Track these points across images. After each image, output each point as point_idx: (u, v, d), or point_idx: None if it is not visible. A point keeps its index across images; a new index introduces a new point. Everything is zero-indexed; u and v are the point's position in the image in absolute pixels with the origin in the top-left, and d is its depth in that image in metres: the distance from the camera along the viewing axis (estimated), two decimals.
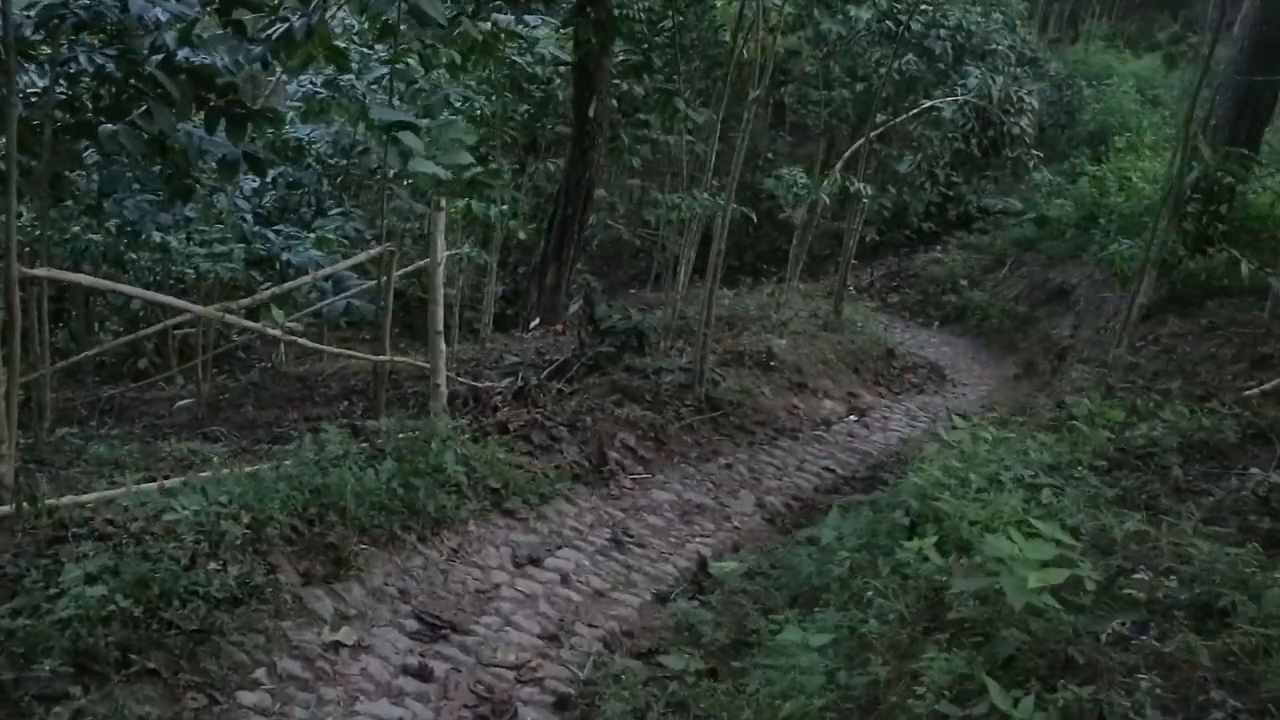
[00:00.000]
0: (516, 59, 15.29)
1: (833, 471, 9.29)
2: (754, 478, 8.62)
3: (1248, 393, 8.69)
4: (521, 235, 18.78)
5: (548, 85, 16.90)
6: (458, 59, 7.21)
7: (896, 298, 19.55)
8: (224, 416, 9.99)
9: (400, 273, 8.83)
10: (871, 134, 14.71)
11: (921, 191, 18.90)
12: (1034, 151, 17.97)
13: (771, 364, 11.33)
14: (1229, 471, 6.52)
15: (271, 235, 10.44)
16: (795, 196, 14.64)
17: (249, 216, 10.82)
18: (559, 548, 6.27)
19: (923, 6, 19.72)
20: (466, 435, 6.88)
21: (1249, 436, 7.19)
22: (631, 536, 6.74)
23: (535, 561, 5.94)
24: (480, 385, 9.17)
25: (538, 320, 15.21)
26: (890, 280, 20.31)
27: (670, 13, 16.62)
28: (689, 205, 11.75)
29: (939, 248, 21.28)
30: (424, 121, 6.31)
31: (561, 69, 16.29)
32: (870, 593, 4.78)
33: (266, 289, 9.17)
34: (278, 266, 10.66)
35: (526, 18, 14.42)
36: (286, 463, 5.40)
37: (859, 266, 21.65)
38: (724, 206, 9.52)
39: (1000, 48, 19.36)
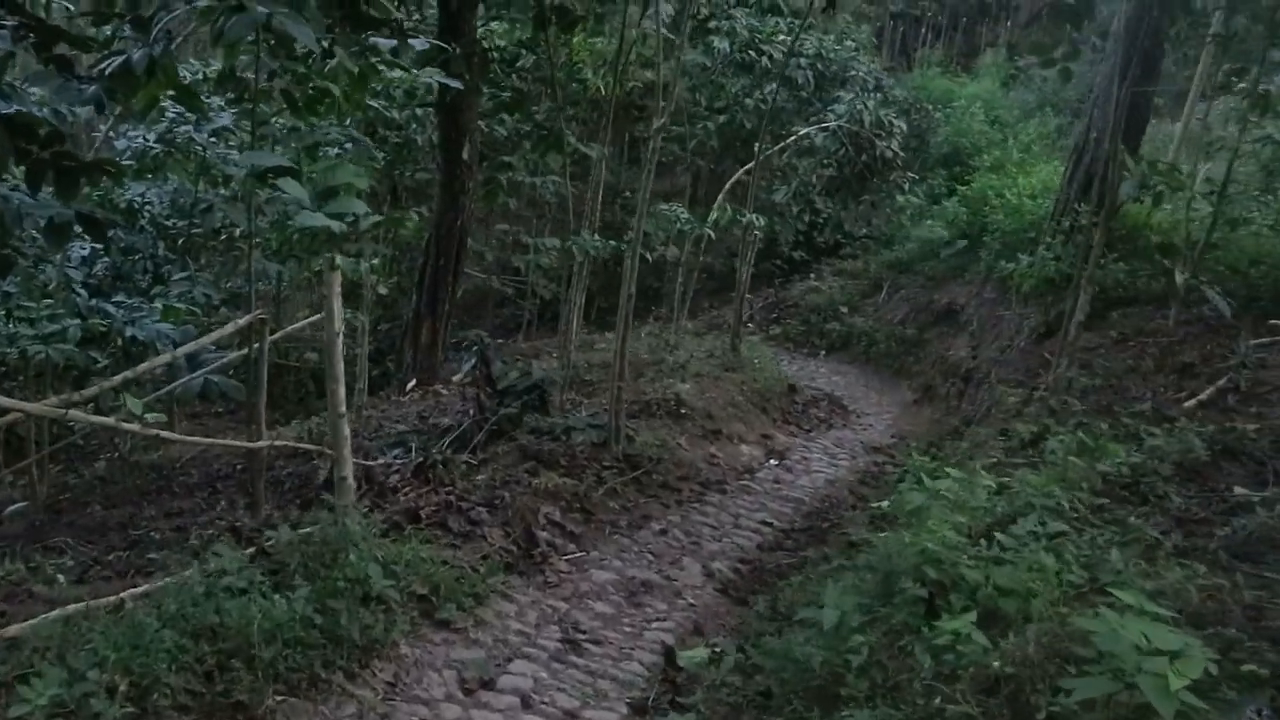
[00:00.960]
0: (373, 103, 14.26)
1: (770, 525, 8.54)
2: (693, 542, 7.78)
3: (1186, 404, 8.39)
4: (383, 290, 17.62)
5: (405, 129, 15.88)
6: (335, 90, 6.19)
7: (779, 329, 19.14)
8: (67, 521, 8.54)
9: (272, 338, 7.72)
10: (749, 165, 14.21)
11: (793, 221, 18.62)
12: (908, 174, 17.94)
13: (682, 411, 10.56)
14: (1215, 494, 6.07)
15: (111, 308, 9.07)
16: (679, 233, 14.00)
17: (81, 288, 9.42)
18: (509, 660, 5.26)
19: (780, 37, 19.65)
20: (377, 530, 5.81)
21: (1218, 453, 6.78)
22: (584, 633, 5.79)
23: (487, 684, 4.92)
24: (373, 464, 8.06)
25: (414, 382, 14.06)
26: (770, 311, 19.90)
27: (526, 51, 15.91)
28: (580, 247, 10.91)
29: (813, 276, 21.04)
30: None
31: (420, 111, 15.30)
32: (914, 685, 4.00)
33: (108, 370, 7.90)
34: (119, 343, 9.28)
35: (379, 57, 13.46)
36: (167, 599, 4.23)
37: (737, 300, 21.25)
38: (632, 246, 8.71)
39: (859, 74, 19.34)
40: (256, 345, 6.91)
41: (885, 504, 9.48)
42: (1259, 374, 8.63)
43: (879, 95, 17.43)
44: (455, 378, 13.07)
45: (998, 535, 4.97)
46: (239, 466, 9.16)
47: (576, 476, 8.14)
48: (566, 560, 6.79)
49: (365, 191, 5.51)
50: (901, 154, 16.21)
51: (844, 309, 18.98)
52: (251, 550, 5.45)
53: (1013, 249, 14.29)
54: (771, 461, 10.49)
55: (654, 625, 6.15)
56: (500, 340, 22.57)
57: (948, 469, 6.30)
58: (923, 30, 40.63)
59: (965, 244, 16.43)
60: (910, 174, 17.86)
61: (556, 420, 9.19)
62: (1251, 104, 12.30)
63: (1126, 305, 11.48)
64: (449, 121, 12.40)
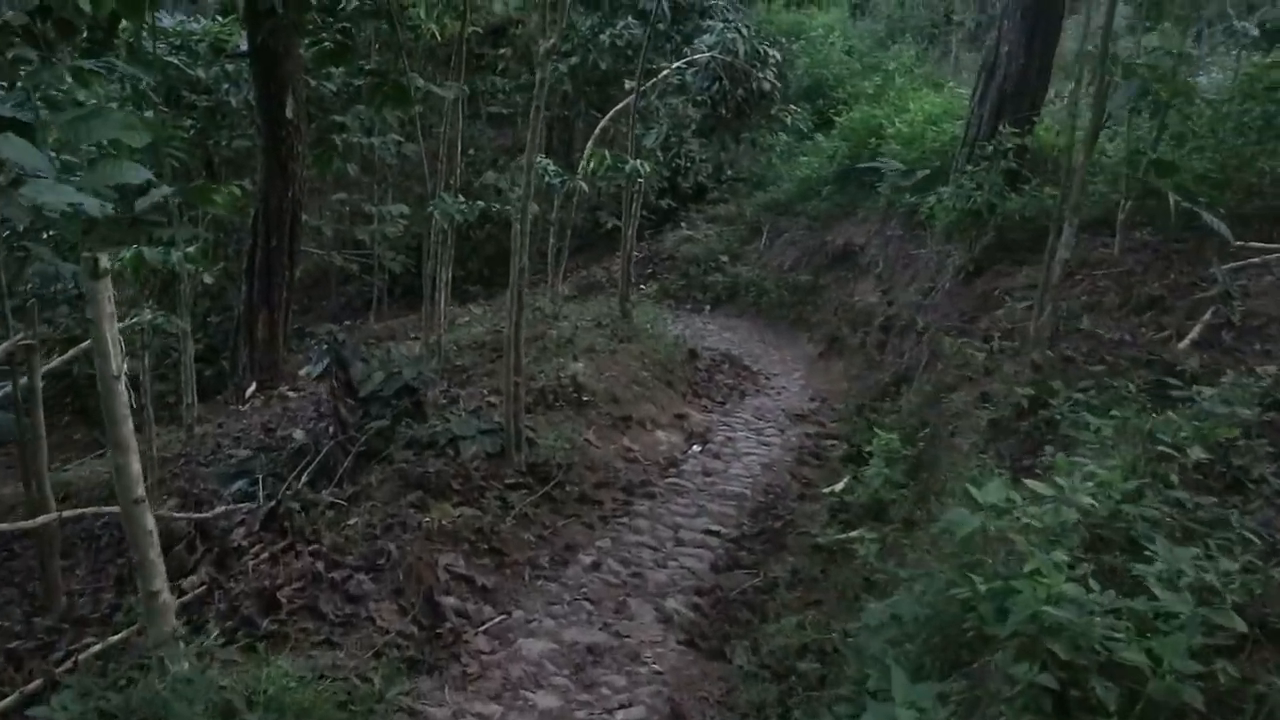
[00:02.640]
0: (172, 59, 11.94)
1: (717, 534, 7.04)
2: (633, 574, 6.19)
3: (1180, 346, 7.25)
4: (208, 279, 15.33)
5: (215, 91, 13.56)
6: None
7: (656, 285, 17.62)
8: None
9: (48, 366, 5.77)
10: (622, 104, 12.53)
11: (659, 167, 17.08)
12: (791, 106, 16.58)
13: (583, 398, 8.92)
14: None
15: None
16: (548, 186, 12.25)
17: None
18: None
19: None
20: (216, 644, 4.00)
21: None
22: None
23: None
24: (208, 515, 6.17)
25: (255, 385, 11.99)
26: (644, 266, 18.34)
27: None
28: (443, 211, 9.07)
29: (684, 225, 19.59)
30: (45, 117, 3.39)
31: (231, 68, 13.02)
32: None
33: None
34: None
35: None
36: None
37: (605, 257, 19.66)
38: (521, 205, 6.96)
39: (718, 4, 17.80)
40: (24, 379, 4.98)
41: (838, 488, 8.17)
42: (1247, 303, 7.57)
43: (747, 25, 15.97)
44: (303, 371, 11.08)
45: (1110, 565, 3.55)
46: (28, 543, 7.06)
47: (476, 504, 6.44)
48: (485, 634, 5.10)
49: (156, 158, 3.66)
50: (779, 85, 14.86)
51: (725, 258, 17.59)
52: (37, 685, 3.62)
53: (922, 180, 13.08)
54: (695, 448, 8.98)
55: (618, 717, 4.55)
56: (349, 322, 20.41)
57: (994, 473, 4.84)
58: None
59: (844, 180, 15.20)
60: (794, 107, 16.54)
61: (438, 428, 7.42)
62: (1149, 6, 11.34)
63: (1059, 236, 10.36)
64: (266, 74, 10.31)
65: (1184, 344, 7.27)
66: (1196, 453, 4.67)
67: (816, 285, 15.11)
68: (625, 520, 7.02)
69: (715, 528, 7.11)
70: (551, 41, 6.25)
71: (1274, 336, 7.13)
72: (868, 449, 8.48)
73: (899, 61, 20.85)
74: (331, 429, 7.51)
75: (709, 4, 17.61)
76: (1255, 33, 9.74)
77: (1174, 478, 4.49)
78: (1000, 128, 10.92)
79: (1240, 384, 5.56)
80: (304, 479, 6.89)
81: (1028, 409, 6.44)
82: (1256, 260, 8.46)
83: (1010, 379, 6.99)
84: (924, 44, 24.34)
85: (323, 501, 6.17)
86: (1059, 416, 6.12)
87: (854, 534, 6.77)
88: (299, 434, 8.91)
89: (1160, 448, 4.84)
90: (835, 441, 9.27)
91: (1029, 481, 4.12)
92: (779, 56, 15.42)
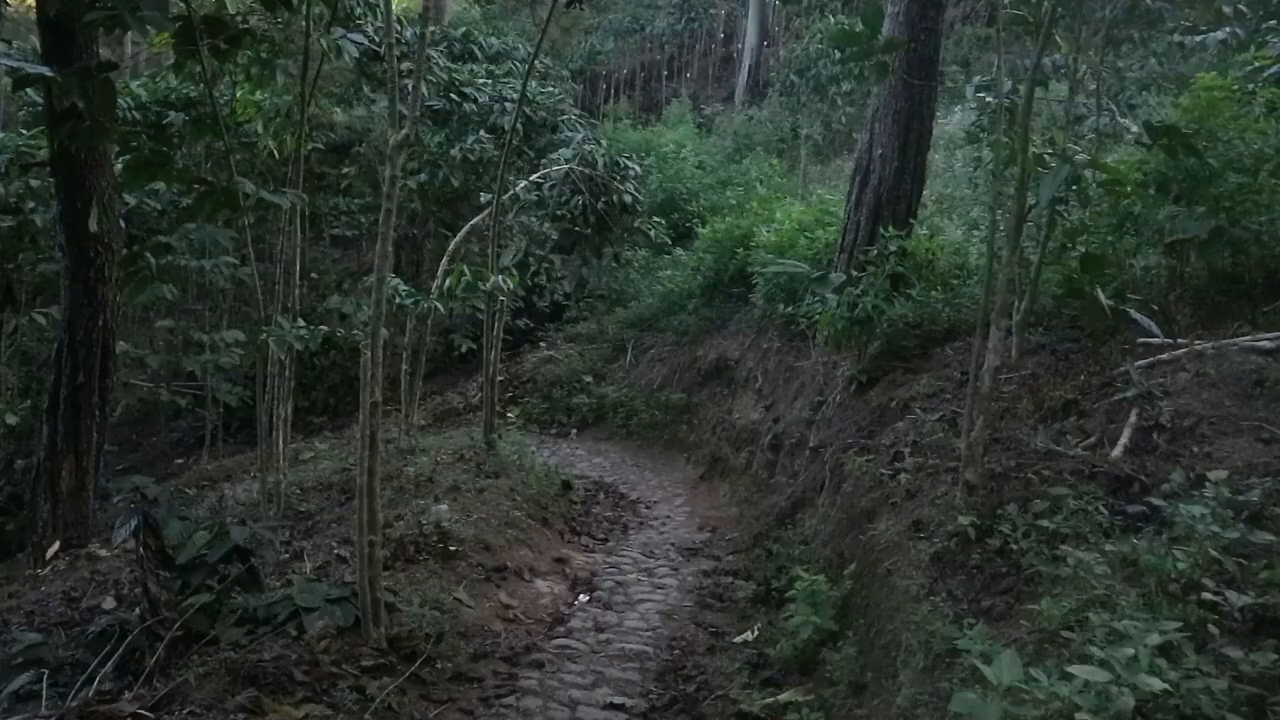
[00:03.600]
0: None
1: (622, 707, 5.89)
2: None
3: (1111, 455, 6.62)
4: (11, 420, 13.52)
5: (20, 211, 12.07)
6: None
7: (518, 409, 16.52)
8: None
9: None
10: (478, 219, 11.64)
11: (520, 286, 16.21)
12: (655, 219, 16.00)
13: (450, 547, 7.71)
14: None
15: None
16: (400, 309, 11.18)
17: None
18: None
19: (480, 81, 17.28)
20: None
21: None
22: None
23: None
24: None
25: (58, 545, 10.26)
26: (504, 390, 17.25)
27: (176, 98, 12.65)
28: (280, 339, 7.86)
29: (544, 345, 18.69)
30: None
31: (36, 183, 11.60)
32: None
33: None
34: None
35: None
36: None
37: (460, 381, 18.52)
38: (371, 329, 5.85)
39: (570, 118, 17.37)
40: None
41: (751, 636, 7.15)
42: (1171, 402, 7.04)
43: (604, 139, 15.47)
44: (115, 540, 9.48)
45: None
46: None
47: (326, 698, 5.15)
48: None
49: None
50: (640, 198, 14.27)
51: (589, 378, 16.71)
52: None
53: (789, 291, 12.55)
54: (582, 598, 7.84)
55: None
56: (180, 461, 18.51)
57: (964, 625, 3.94)
58: (604, 86, 40.07)
59: (712, 292, 14.64)
60: (657, 220, 15.97)
61: (277, 599, 6.11)
62: (993, 119, 11.26)
63: (948, 340, 9.87)
64: (70, 186, 8.98)
65: (1116, 451, 6.64)
66: (1239, 598, 3.86)
67: (690, 403, 14.33)
68: (511, 700, 5.80)
69: (619, 699, 5.96)
70: (403, 134, 5.29)
71: (1209, 436, 6.58)
72: (777, 586, 7.56)
73: (760, 170, 20.77)
74: (140, 610, 6.08)
75: (561, 119, 17.12)
76: (1134, 129, 9.59)
77: (1213, 628, 3.67)
78: (880, 231, 10.49)
79: (1219, 496, 4.88)
80: (103, 674, 5.45)
81: (974, 539, 5.62)
82: (1165, 357, 8.05)
83: (945, 503, 6.20)
84: (773, 158, 24.53)
85: (124, 715, 4.76)
86: (1015, 546, 5.32)
87: (785, 697, 5.75)
88: (109, 602, 7.44)
89: (1203, 594, 4.04)
90: (737, 579, 8.28)
91: (1075, 668, 3.18)
92: (638, 169, 14.90)
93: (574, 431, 15.56)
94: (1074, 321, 9.28)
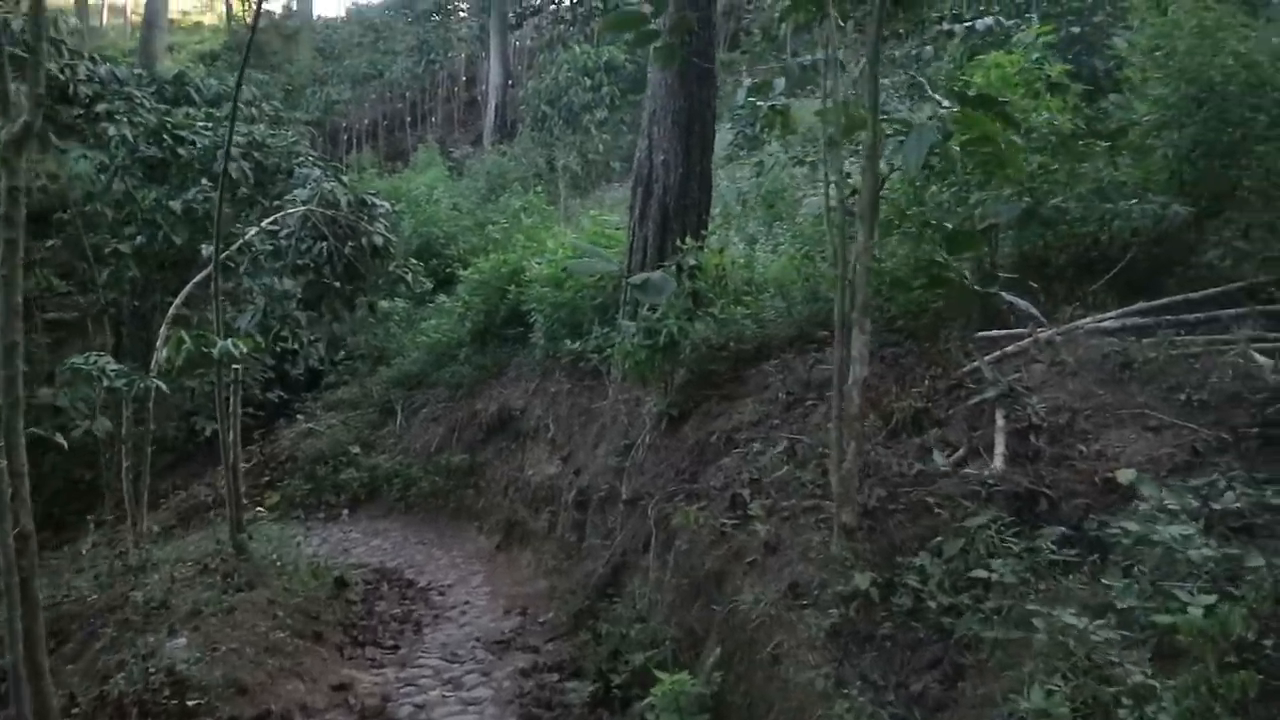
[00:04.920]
0: None
1: None
2: None
3: (994, 467, 5.61)
4: None
5: None
6: None
7: (278, 495, 14.33)
8: None
9: None
10: (201, 277, 9.68)
11: (267, 354, 14.11)
12: (412, 261, 14.25)
13: (190, 701, 5.82)
14: None
15: None
16: (110, 392, 9.09)
17: None
18: None
19: (200, 125, 15.10)
20: None
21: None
22: None
23: None
24: None
25: None
26: (259, 475, 15.01)
27: None
28: None
29: (301, 418, 16.52)
30: None
31: None
32: None
33: None
34: None
35: None
36: None
37: (208, 470, 16.05)
38: (5, 430, 3.99)
39: (308, 160, 15.49)
40: None
41: None
42: (1037, 397, 6.13)
43: (345, 178, 13.69)
44: None
45: None
46: None
47: None
48: None
49: None
50: (393, 239, 12.59)
51: (356, 449, 14.73)
52: None
53: (573, 325, 11.22)
54: None
55: None
56: None
57: None
58: (346, 138, 37.91)
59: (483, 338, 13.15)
60: (414, 261, 14.25)
61: None
62: (767, 122, 10.46)
63: (760, 359, 8.80)
64: None
65: (997, 462, 5.64)
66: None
67: (475, 464, 12.70)
68: None
69: None
70: (21, 123, 3.55)
71: (1092, 431, 5.69)
72: (618, 683, 6.12)
73: (524, 200, 19.43)
74: None
75: (298, 162, 15.22)
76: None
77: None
78: (672, 245, 9.35)
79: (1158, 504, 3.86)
80: None
81: (878, 600, 4.39)
82: (1011, 349, 7.22)
83: (822, 556, 4.95)
84: (534, 189, 23.32)
85: None
86: (932, 604, 4.12)
87: None
88: None
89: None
90: (565, 677, 6.77)
91: None
92: (389, 207, 13.21)
93: (345, 512, 13.57)
94: (890, 322, 8.42)
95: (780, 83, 10.12)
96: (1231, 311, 7.11)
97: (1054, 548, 4.16)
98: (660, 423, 8.73)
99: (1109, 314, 7.29)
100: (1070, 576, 3.93)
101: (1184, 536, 3.53)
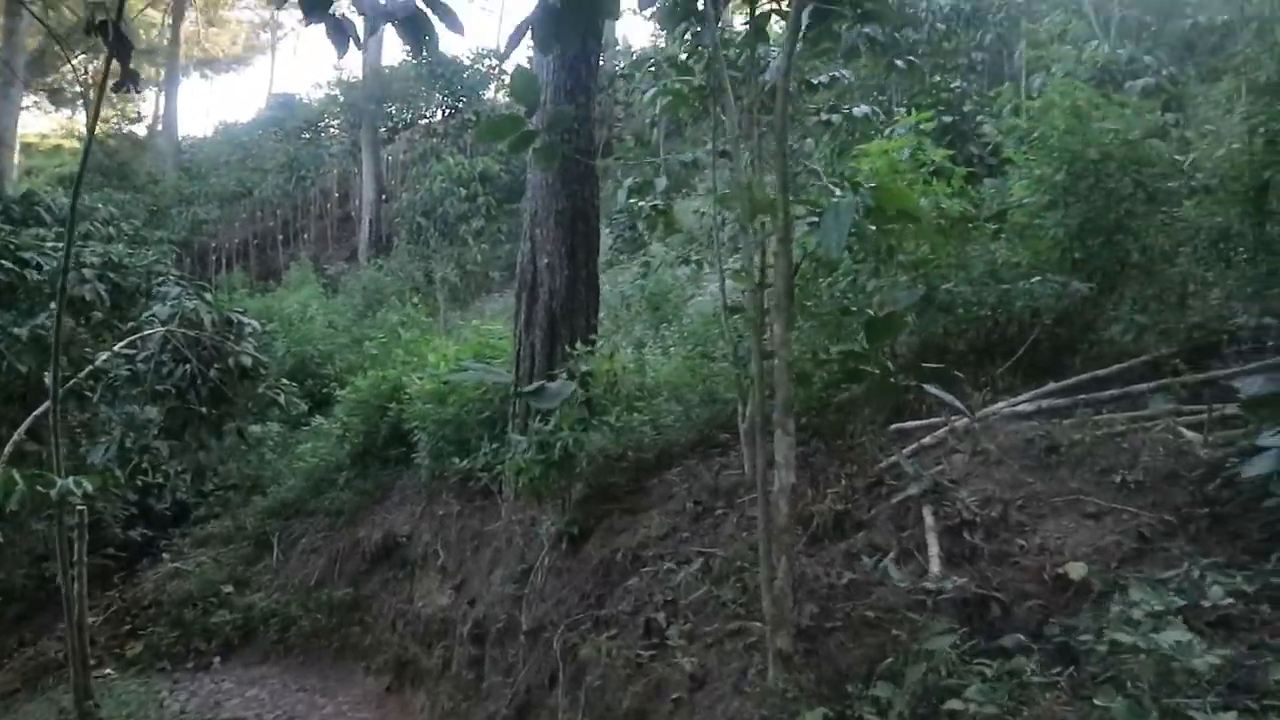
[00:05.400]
0: None
1: None
2: None
3: (932, 569, 5.14)
4: None
5: None
6: None
7: (141, 645, 13.01)
8: None
9: None
10: (41, 410, 8.72)
11: (127, 489, 12.95)
12: (284, 381, 13.33)
13: None
14: None
15: None
16: None
17: None
18: None
19: (50, 246, 14.08)
20: None
21: None
22: None
23: None
24: None
25: None
26: (119, 624, 13.68)
27: None
28: None
29: (167, 556, 15.23)
30: None
31: None
32: None
33: None
34: None
35: None
36: None
37: (63, 621, 14.56)
38: None
39: (169, 277, 14.62)
40: None
41: None
42: (963, 489, 5.73)
43: (209, 296, 12.84)
44: None
45: None
46: None
47: None
48: None
49: None
50: (263, 359, 11.74)
51: (228, 589, 13.55)
52: None
53: (459, 442, 10.54)
54: None
55: None
56: None
57: None
58: (215, 258, 36.73)
59: (401, 450, 12.31)
60: (286, 382, 13.33)
61: None
62: (649, 223, 10.23)
63: (661, 469, 8.28)
64: None
65: (934, 566, 5.18)
66: None
67: (359, 598, 11.73)
68: None
69: None
70: None
71: (1028, 523, 5.28)
72: None
73: (403, 314, 18.73)
74: None
75: (158, 281, 14.30)
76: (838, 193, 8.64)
77: None
78: (561, 352, 8.84)
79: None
80: None
81: None
82: (928, 441, 6.84)
83: (759, 690, 4.36)
84: (411, 303, 22.73)
85: None
86: None
87: None
88: None
89: None
90: None
91: None
92: (258, 326, 12.39)
93: (217, 660, 12.35)
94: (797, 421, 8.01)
95: (661, 182, 9.90)
96: (1143, 386, 6.93)
97: (1034, 668, 3.65)
98: (560, 542, 8.07)
99: (1021, 397, 7.01)
100: (1048, 695, 3.43)
101: (1182, 643, 3.07)
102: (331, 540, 12.92)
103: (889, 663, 4.03)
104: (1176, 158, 8.80)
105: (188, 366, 10.84)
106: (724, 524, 6.93)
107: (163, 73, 44.60)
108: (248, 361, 11.30)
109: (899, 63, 8.18)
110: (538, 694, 7.02)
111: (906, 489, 5.98)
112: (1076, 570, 4.54)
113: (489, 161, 27.08)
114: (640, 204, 10.35)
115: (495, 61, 34.98)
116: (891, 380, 4.60)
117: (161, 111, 45.53)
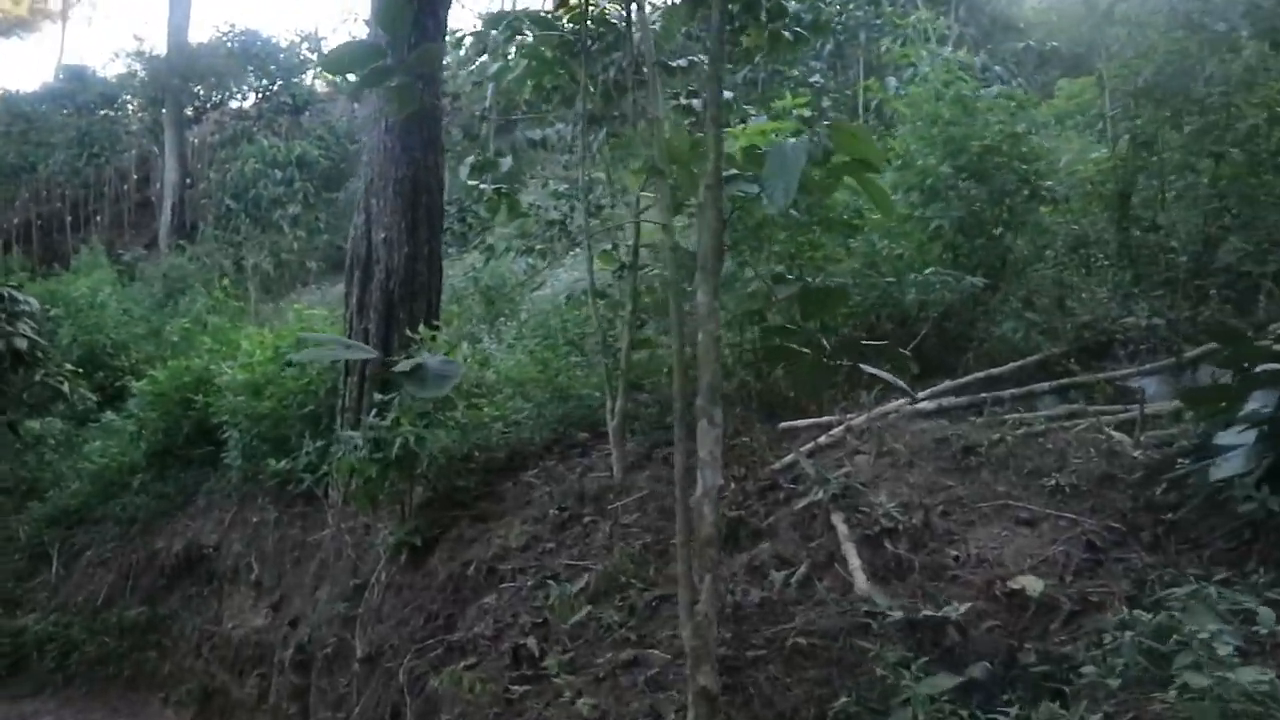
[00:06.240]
0: None
1: None
2: None
3: (859, 583, 4.47)
4: None
5: None
6: None
7: None
8: None
9: None
10: None
11: None
12: (67, 366, 11.55)
13: None
14: None
15: None
16: None
17: None
18: None
19: None
20: None
21: None
22: None
23: None
24: None
25: None
26: None
27: None
28: None
29: None
30: None
31: None
32: None
33: None
34: None
35: None
36: None
37: None
38: None
39: None
40: None
41: None
42: (872, 498, 5.11)
43: None
44: None
45: None
46: None
47: None
48: None
49: None
50: (44, 343, 10.08)
51: None
52: None
53: (277, 440, 9.31)
54: None
55: None
56: None
57: None
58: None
59: (207, 450, 10.85)
60: (70, 366, 11.56)
61: None
62: (491, 206, 9.36)
63: (514, 471, 7.42)
64: None
65: (861, 581, 4.51)
66: None
67: (157, 617, 10.27)
68: None
69: None
70: None
71: (957, 531, 4.68)
72: None
73: (209, 299, 17.01)
74: None
75: None
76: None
77: None
78: (399, 338, 7.82)
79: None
80: None
81: None
82: (824, 440, 6.21)
83: None
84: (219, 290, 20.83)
85: None
86: None
87: None
88: None
89: None
90: None
91: None
92: (35, 304, 10.71)
93: None
94: (661, 417, 7.30)
95: (506, 161, 8.96)
96: (1044, 385, 6.54)
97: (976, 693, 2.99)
98: (399, 555, 7.05)
99: (919, 395, 6.50)
100: None
101: (1264, 683, 2.46)
102: (123, 552, 11.33)
103: (843, 703, 3.31)
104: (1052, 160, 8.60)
105: None
106: (594, 533, 6.11)
107: None
108: (22, 345, 9.71)
109: (785, 33, 7.57)
110: None
111: (810, 493, 5.32)
112: (1032, 585, 3.96)
113: (307, 145, 25.37)
114: (481, 185, 9.40)
115: (313, 46, 33.17)
116: (824, 363, 3.91)
117: None
